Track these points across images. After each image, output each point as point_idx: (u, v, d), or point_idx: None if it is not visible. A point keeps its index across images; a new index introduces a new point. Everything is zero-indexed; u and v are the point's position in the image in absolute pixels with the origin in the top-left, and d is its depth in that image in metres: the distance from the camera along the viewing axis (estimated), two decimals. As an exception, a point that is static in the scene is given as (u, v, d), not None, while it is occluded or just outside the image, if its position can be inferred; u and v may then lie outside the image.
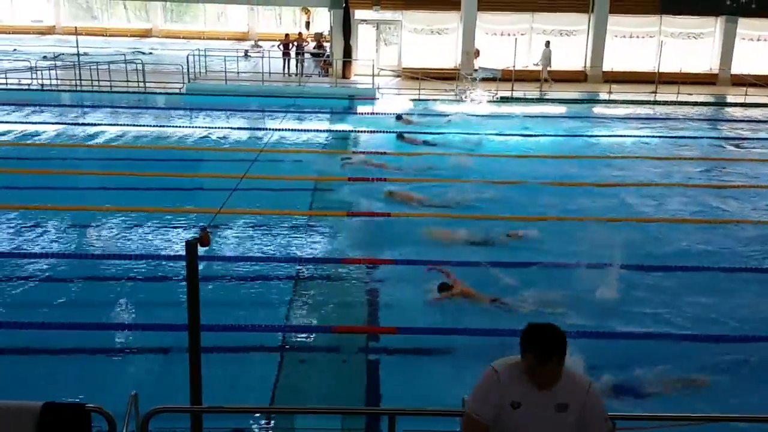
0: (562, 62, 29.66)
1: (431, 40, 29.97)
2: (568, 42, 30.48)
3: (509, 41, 28.78)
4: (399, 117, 21.60)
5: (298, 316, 9.59)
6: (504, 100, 25.96)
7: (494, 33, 30.10)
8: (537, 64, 28.51)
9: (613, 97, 26.72)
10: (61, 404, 4.84)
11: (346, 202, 14.23)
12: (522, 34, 29.88)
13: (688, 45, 31.06)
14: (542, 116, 23.76)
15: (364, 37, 29.82)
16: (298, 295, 10.17)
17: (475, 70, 28.47)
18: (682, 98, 26.64)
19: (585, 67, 30.55)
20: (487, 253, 11.39)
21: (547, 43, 28.64)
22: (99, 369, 8.18)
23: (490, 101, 25.85)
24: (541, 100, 25.92)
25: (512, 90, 26.15)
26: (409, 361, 8.63)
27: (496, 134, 20.72)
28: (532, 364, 3.90)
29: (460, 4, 29.06)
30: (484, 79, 27.52)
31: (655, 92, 26.92)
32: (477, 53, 29.47)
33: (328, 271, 11.02)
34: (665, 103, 26.37)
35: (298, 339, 9.00)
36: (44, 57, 30.09)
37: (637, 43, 31.05)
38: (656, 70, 28.18)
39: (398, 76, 29.45)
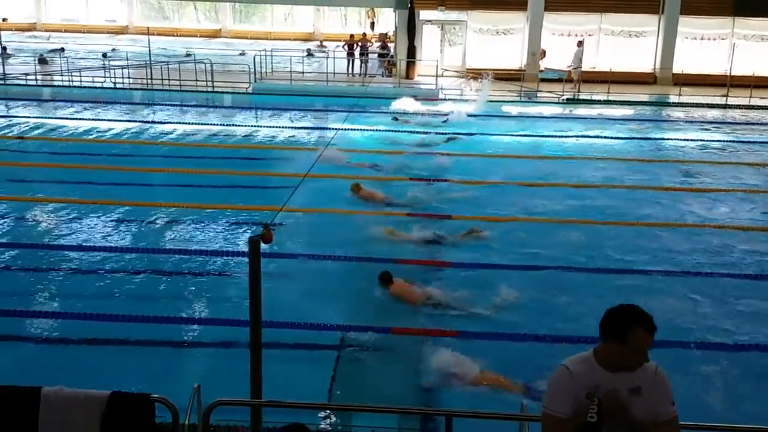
0: (630, 64, 29.10)
1: (496, 40, 29.74)
2: (637, 43, 29.86)
3: (576, 42, 28.35)
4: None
5: (356, 313, 9.66)
6: (570, 101, 25.61)
7: (561, 33, 29.69)
8: (570, 66, 28.09)
9: (683, 99, 26.06)
10: (127, 394, 4.99)
11: (402, 203, 14.26)
12: (590, 35, 29.40)
13: (762, 48, 30.07)
14: (609, 119, 23.34)
15: (428, 37, 29.79)
16: (356, 294, 10.23)
17: (541, 71, 28.16)
18: (754, 102, 25.83)
19: (654, 69, 29.88)
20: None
21: (579, 43, 28.19)
22: (164, 361, 8.40)
23: (555, 102, 25.54)
24: (608, 102, 25.47)
25: (578, 92, 25.76)
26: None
27: (563, 135, 20.51)
28: (633, 345, 3.87)
29: (526, 5, 28.78)
30: (549, 80, 27.22)
31: (727, 95, 26.17)
32: (543, 54, 29.13)
33: (373, 267, 11.03)
34: (737, 107, 25.60)
35: (356, 337, 9.06)
36: (103, 55, 30.91)
37: (709, 45, 30.20)
38: (728, 73, 27.38)
39: (462, 76, 29.34)
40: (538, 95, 26.39)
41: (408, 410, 7.07)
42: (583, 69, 26.71)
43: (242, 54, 30.80)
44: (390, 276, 10.06)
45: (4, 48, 30.27)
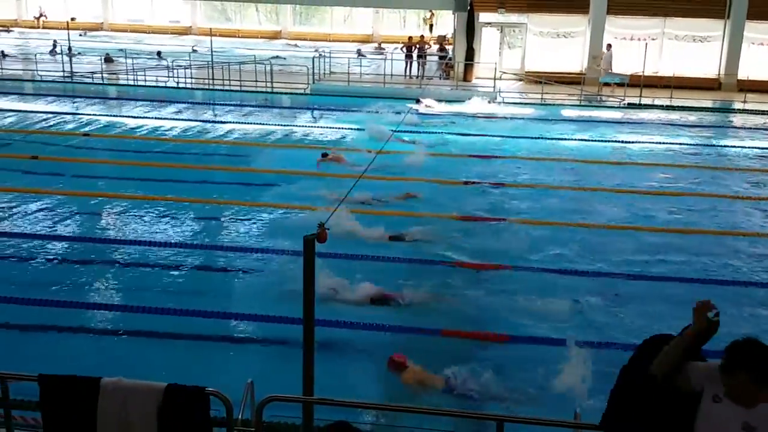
0: (694, 69, 28.43)
1: (557, 43, 29.37)
2: (701, 48, 29.15)
3: (639, 46, 27.85)
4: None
5: (408, 315, 9.66)
6: (631, 106, 25.16)
7: (623, 37, 29.16)
8: (598, 66, 27.53)
9: (748, 106, 25.36)
10: (182, 386, 5.08)
11: (455, 205, 14.24)
12: (653, 39, 28.83)
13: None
14: (672, 124, 22.87)
15: (487, 39, 29.60)
16: (408, 295, 10.22)
17: (603, 74, 27.72)
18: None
19: (719, 74, 29.13)
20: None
21: (608, 46, 27.60)
22: (219, 356, 8.54)
23: (617, 107, 25.13)
24: (670, 108, 24.94)
25: (640, 96, 25.30)
26: (521, 369, 8.53)
27: (624, 141, 20.21)
28: (743, 384, 3.81)
29: (588, 7, 28.36)
30: (611, 84, 26.79)
31: (795, 102, 25.38)
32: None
33: (436, 274, 11.05)
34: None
35: (407, 339, 9.07)
36: (158, 53, 31.50)
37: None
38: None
39: (521, 79, 29.08)
40: (599, 99, 25.98)
41: (458, 413, 7.02)
42: (646, 74, 26.18)
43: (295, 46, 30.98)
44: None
45: (55, 45, 31.18)
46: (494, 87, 26.30)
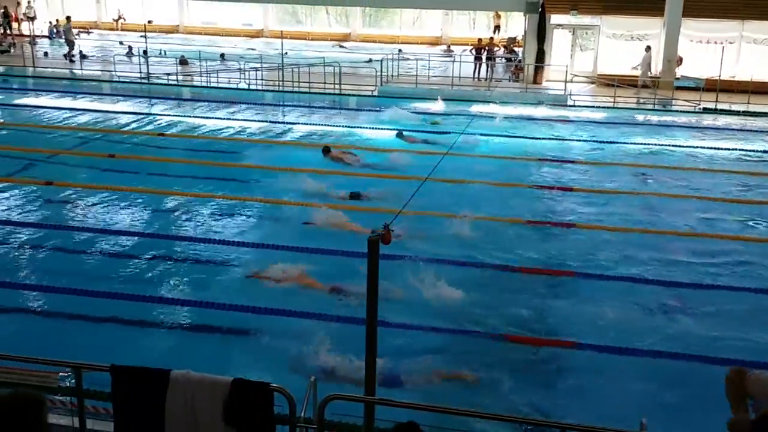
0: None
1: (630, 46, 28.74)
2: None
3: (715, 50, 27.08)
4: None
5: (470, 319, 9.63)
6: (707, 111, 24.47)
7: (699, 40, 28.40)
8: (636, 68, 26.72)
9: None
10: (248, 381, 5.19)
11: (523, 209, 14.12)
12: (730, 42, 27.97)
13: None
14: (748, 130, 22.16)
15: (558, 42, 29.20)
16: (471, 299, 10.19)
17: (677, 79, 27.05)
18: None
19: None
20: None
21: (648, 48, 26.79)
22: (282, 353, 8.66)
23: (691, 112, 24.49)
24: (748, 113, 24.15)
25: (716, 101, 24.60)
26: (585, 375, 8.42)
27: (698, 146, 19.70)
28: None
29: (663, 10, 27.69)
30: (685, 88, 26.12)
31: None
32: (680, 61, 27.94)
33: (501, 278, 10.98)
34: None
35: (468, 342, 9.05)
36: (221, 56, 32.05)
37: None
38: None
39: (592, 82, 28.61)
40: (673, 104, 25.36)
41: (520, 419, 6.99)
42: (723, 78, 25.43)
43: (369, 61, 31.11)
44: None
45: (130, 49, 32.08)
46: (565, 90, 25.95)
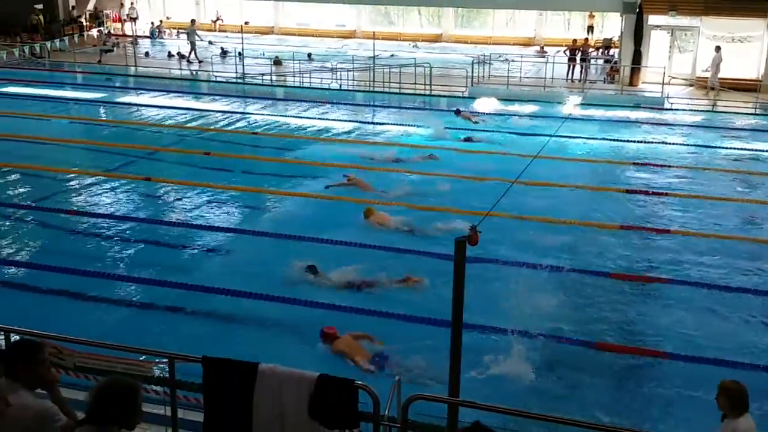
0: None
1: (731, 48, 27.61)
2: None
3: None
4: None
5: (560, 324, 9.48)
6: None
7: (806, 42, 27.04)
8: (706, 70, 25.28)
9: None
10: (333, 377, 5.27)
11: (616, 214, 13.79)
12: (842, 43, 26.53)
13: None
14: None
15: (656, 43, 28.33)
16: (560, 304, 10.04)
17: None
18: None
19: None
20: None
21: (717, 48, 25.34)
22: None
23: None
24: None
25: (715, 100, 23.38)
26: (675, 387, 8.16)
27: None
28: None
29: (767, 11, 26.49)
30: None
31: None
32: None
33: (594, 282, 10.76)
34: None
35: (556, 348, 8.90)
36: (308, 55, 32.40)
37: None
38: None
39: (691, 85, 27.64)
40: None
41: (610, 428, 6.80)
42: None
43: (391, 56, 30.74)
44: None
45: (223, 50, 32.83)
46: (662, 92, 25.17)
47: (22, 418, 4.27)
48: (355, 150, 18.30)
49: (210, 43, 34.87)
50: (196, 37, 31.90)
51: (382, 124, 21.69)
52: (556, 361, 8.65)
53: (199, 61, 31.27)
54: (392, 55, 30.55)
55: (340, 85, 27.14)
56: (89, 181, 15.63)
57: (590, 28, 37.40)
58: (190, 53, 31.78)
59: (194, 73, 29.88)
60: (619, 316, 9.90)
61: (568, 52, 29.40)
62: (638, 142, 19.68)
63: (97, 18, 39.38)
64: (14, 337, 6.03)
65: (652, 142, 19.65)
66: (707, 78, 26.08)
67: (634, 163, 17.51)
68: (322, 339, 8.74)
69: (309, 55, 32.52)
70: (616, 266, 11.38)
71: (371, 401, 5.20)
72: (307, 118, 22.58)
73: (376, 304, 9.86)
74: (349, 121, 22.22)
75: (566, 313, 9.82)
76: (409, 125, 21.20)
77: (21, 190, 15.23)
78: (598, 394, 8.03)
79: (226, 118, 22.26)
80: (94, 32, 37.97)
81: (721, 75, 25.96)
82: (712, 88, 25.67)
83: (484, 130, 20.53)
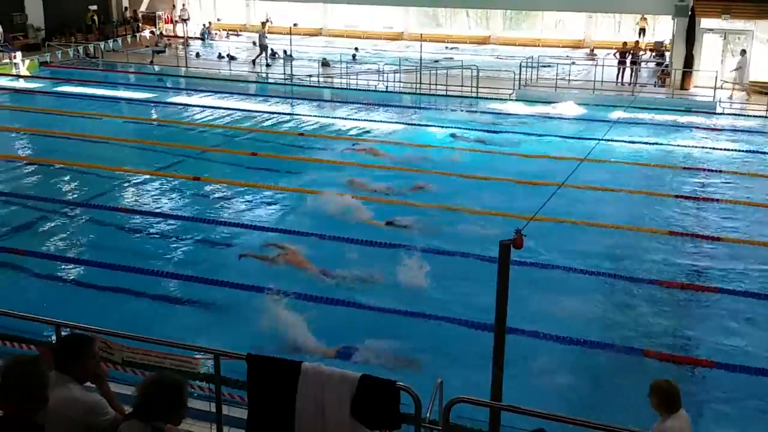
0: None
1: (787, 52, 26.96)
2: None
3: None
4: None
5: (606, 331, 9.37)
6: None
7: None
8: (733, 72, 24.52)
9: None
10: (375, 378, 5.29)
11: (664, 220, 13.57)
12: None
13: None
14: None
15: (708, 46, 27.80)
16: (607, 310, 9.91)
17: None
18: None
19: None
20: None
21: (743, 52, 24.53)
22: (407, 354, 8.75)
23: None
24: None
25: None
26: (724, 397, 8.01)
27: None
28: None
29: (826, 13, 25.80)
30: None
31: None
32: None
33: (639, 290, 10.61)
34: None
35: (603, 355, 8.80)
36: (353, 56, 32.44)
37: None
38: None
39: (743, 89, 27.05)
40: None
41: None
42: None
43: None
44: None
45: (274, 52, 33.06)
46: (714, 97, 24.68)
47: (72, 411, 4.37)
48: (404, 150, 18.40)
49: (254, 44, 35.02)
50: (266, 40, 32.11)
51: (427, 125, 21.67)
52: (603, 369, 8.55)
53: (267, 65, 31.44)
54: (437, 61, 30.45)
55: (387, 87, 27.20)
56: (140, 179, 15.96)
57: (642, 31, 36.80)
58: (259, 55, 31.87)
59: (263, 76, 29.93)
60: (666, 323, 9.74)
61: (618, 55, 29.00)
62: (689, 146, 19.33)
63: (150, 19, 40.17)
64: (65, 331, 6.17)
65: (703, 147, 19.29)
66: (733, 80, 25.58)
67: (684, 168, 17.22)
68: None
69: (353, 56, 32.57)
70: (664, 273, 11.20)
71: (413, 402, 5.21)
72: (352, 119, 22.66)
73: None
74: (395, 122, 22.24)
75: (614, 319, 9.69)
76: (451, 127, 21.16)
77: (74, 187, 15.62)
78: (645, 402, 7.90)
79: (274, 118, 22.48)
80: (147, 33, 38.74)
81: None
82: (737, 90, 25.17)
83: (532, 134, 20.36)
